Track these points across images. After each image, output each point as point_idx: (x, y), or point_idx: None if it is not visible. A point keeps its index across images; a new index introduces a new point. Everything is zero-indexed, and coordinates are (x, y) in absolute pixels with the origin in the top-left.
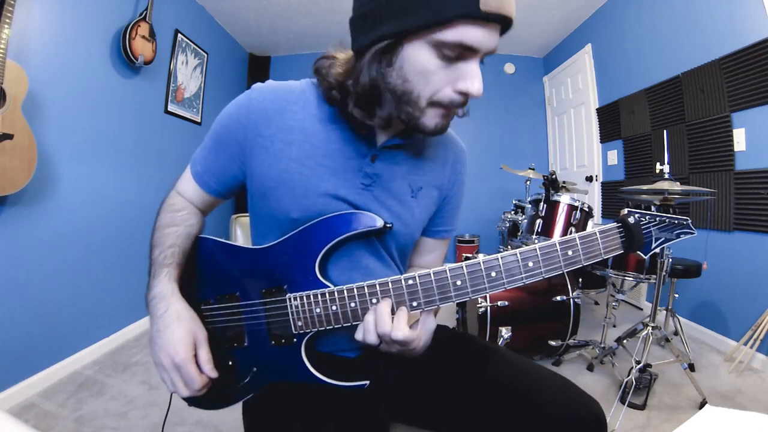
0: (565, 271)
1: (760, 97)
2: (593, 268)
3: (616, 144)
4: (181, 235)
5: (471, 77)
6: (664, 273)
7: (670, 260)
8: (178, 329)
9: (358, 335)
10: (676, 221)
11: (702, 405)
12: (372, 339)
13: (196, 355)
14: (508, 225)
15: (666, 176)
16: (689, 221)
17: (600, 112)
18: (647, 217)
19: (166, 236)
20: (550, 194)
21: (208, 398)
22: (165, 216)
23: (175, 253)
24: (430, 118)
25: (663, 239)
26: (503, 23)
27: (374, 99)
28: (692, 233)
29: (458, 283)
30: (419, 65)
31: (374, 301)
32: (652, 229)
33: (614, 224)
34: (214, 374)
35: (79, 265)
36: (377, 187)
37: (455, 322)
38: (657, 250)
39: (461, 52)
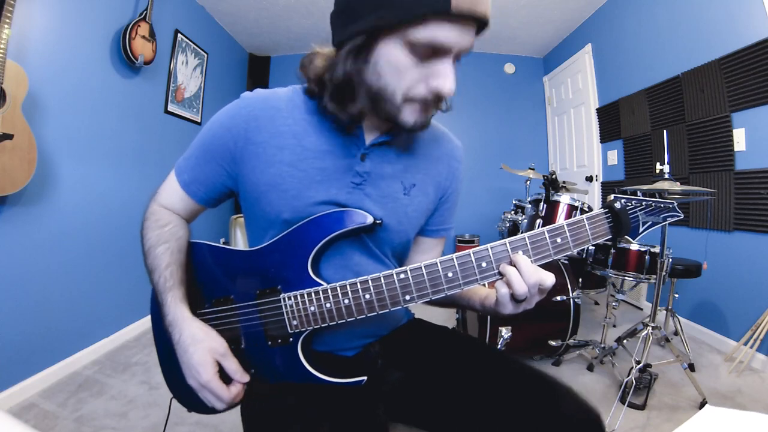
0: (555, 258)
1: (760, 97)
2: (593, 267)
3: (616, 144)
4: (174, 251)
5: (443, 76)
6: (664, 273)
7: (670, 260)
8: (195, 353)
9: (503, 290)
10: (662, 205)
11: (702, 405)
12: (522, 290)
13: (222, 369)
14: (508, 225)
15: (666, 176)
16: (674, 204)
17: (600, 112)
18: (633, 202)
19: (160, 257)
20: (550, 194)
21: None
22: (152, 234)
23: (173, 272)
24: (408, 114)
25: (650, 223)
26: (478, 23)
27: (347, 93)
28: (678, 216)
29: (449, 275)
30: (392, 62)
31: (368, 296)
32: (638, 213)
33: (601, 210)
34: (245, 379)
35: (79, 265)
36: (368, 185)
37: (455, 323)
38: (645, 234)
39: (434, 51)
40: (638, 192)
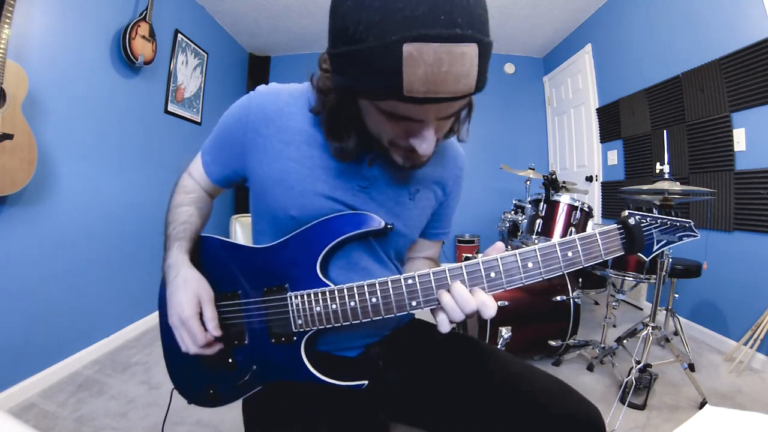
0: (565, 272)
1: (760, 97)
2: (593, 268)
3: (616, 144)
4: (193, 214)
5: (419, 139)
6: (664, 273)
7: (670, 260)
8: (184, 291)
9: (443, 327)
10: (678, 223)
11: (702, 405)
12: (459, 318)
13: (202, 314)
14: (508, 225)
15: (666, 176)
16: (692, 224)
17: (600, 112)
18: (648, 219)
19: (180, 214)
20: (550, 194)
21: (208, 396)
22: (178, 197)
23: (187, 229)
24: (396, 157)
25: (665, 241)
26: (449, 99)
27: (336, 128)
28: (695, 236)
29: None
30: (372, 117)
31: (374, 300)
32: (653, 231)
33: (615, 226)
34: (217, 332)
35: (79, 265)
36: (374, 189)
37: None
38: (658, 252)
39: (405, 118)
40: (654, 209)
